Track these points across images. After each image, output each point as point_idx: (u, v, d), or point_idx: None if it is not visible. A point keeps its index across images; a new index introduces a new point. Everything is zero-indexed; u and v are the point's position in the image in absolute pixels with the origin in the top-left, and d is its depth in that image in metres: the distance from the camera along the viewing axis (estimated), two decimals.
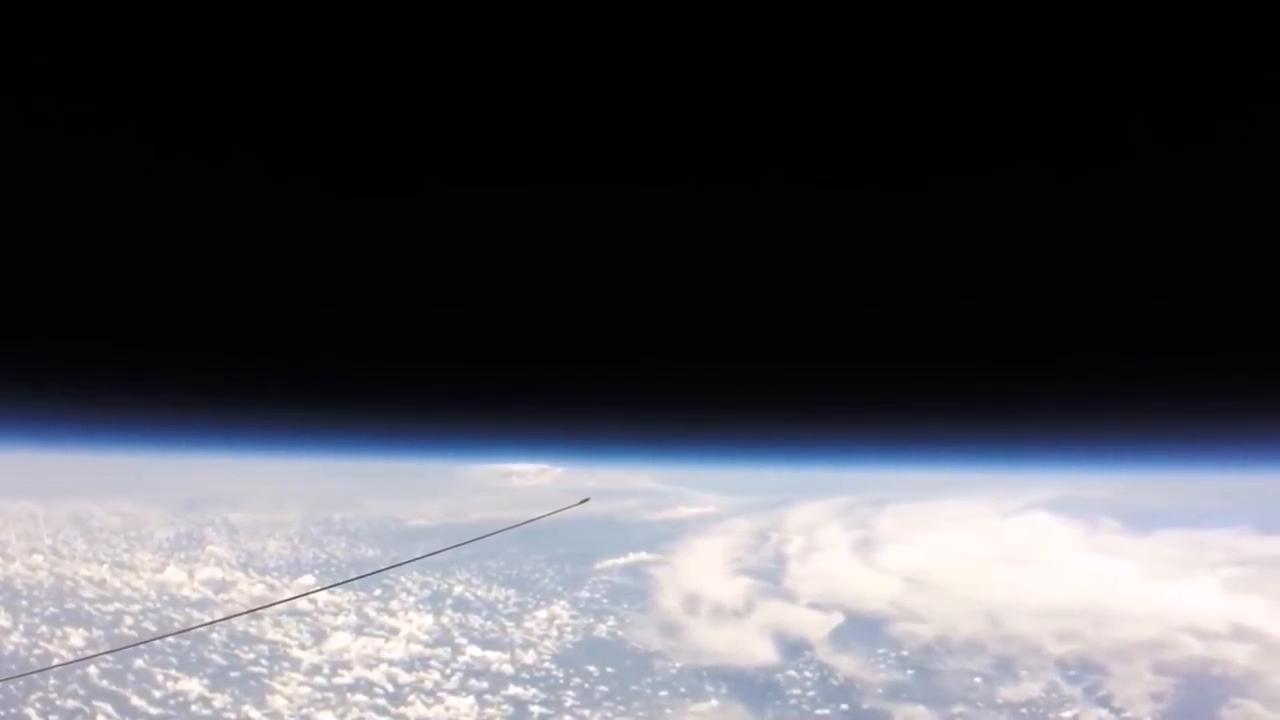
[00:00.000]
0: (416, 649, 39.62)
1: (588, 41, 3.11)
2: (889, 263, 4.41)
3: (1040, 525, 40.84)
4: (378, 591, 42.65)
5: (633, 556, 44.79)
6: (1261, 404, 5.77)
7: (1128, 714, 33.60)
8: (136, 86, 3.40)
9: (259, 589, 43.16)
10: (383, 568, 46.87)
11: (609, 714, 36.08)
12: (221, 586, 42.78)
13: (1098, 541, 40.04)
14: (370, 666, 38.38)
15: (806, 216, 4.09)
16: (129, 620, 39.69)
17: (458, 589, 43.53)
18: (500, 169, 3.85)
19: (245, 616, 41.61)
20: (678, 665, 38.22)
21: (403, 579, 43.74)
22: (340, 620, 40.88)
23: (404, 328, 5.47)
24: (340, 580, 45.65)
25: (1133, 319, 4.77)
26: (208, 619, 40.66)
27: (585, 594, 43.19)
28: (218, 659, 37.53)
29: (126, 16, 3.03)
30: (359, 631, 40.35)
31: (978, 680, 35.88)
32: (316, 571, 44.85)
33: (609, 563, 44.61)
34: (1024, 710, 34.54)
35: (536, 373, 6.14)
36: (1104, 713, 33.86)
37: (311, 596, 42.46)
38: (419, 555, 51.20)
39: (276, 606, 41.62)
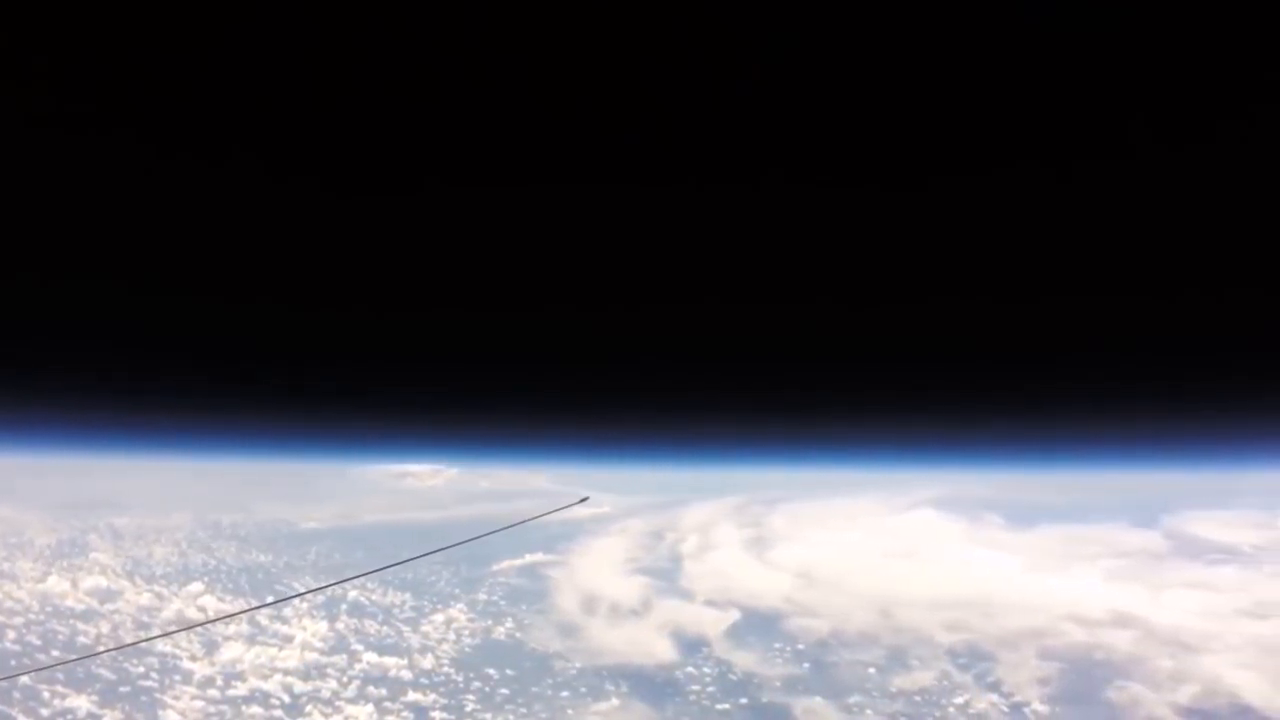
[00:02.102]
0: (312, 657, 40.72)
1: (588, 42, 3.29)
2: (885, 263, 4.66)
3: (927, 522, 43.77)
4: (269, 598, 44.26)
5: (529, 558, 46.54)
6: (1262, 402, 6.14)
7: (1016, 698, 37.52)
8: (136, 87, 3.60)
9: (146, 598, 43.54)
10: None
11: (511, 717, 38.03)
12: (107, 596, 43.00)
13: (982, 536, 43.34)
14: (265, 677, 39.39)
15: (806, 216, 4.30)
16: (11, 635, 40.04)
17: (352, 594, 44.74)
18: (498, 169, 4.04)
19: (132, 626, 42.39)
20: (578, 665, 40.70)
21: (295, 584, 45.46)
22: (232, 629, 41.78)
23: (403, 327, 5.68)
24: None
25: (1128, 319, 5.06)
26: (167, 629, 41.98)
27: (482, 596, 44.91)
28: (106, 674, 37.87)
29: (125, 17, 3.20)
30: (252, 641, 41.21)
31: (872, 671, 39.47)
32: (205, 579, 45.44)
33: (506, 564, 46.24)
34: (918, 698, 38.31)
35: (538, 373, 6.30)
36: (994, 697, 37.80)
37: (200, 606, 43.58)
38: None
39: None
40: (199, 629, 42.76)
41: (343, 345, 6.04)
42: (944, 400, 6.46)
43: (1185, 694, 36.27)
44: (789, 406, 6.83)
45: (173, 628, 43.69)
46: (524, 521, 52.20)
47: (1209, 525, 42.35)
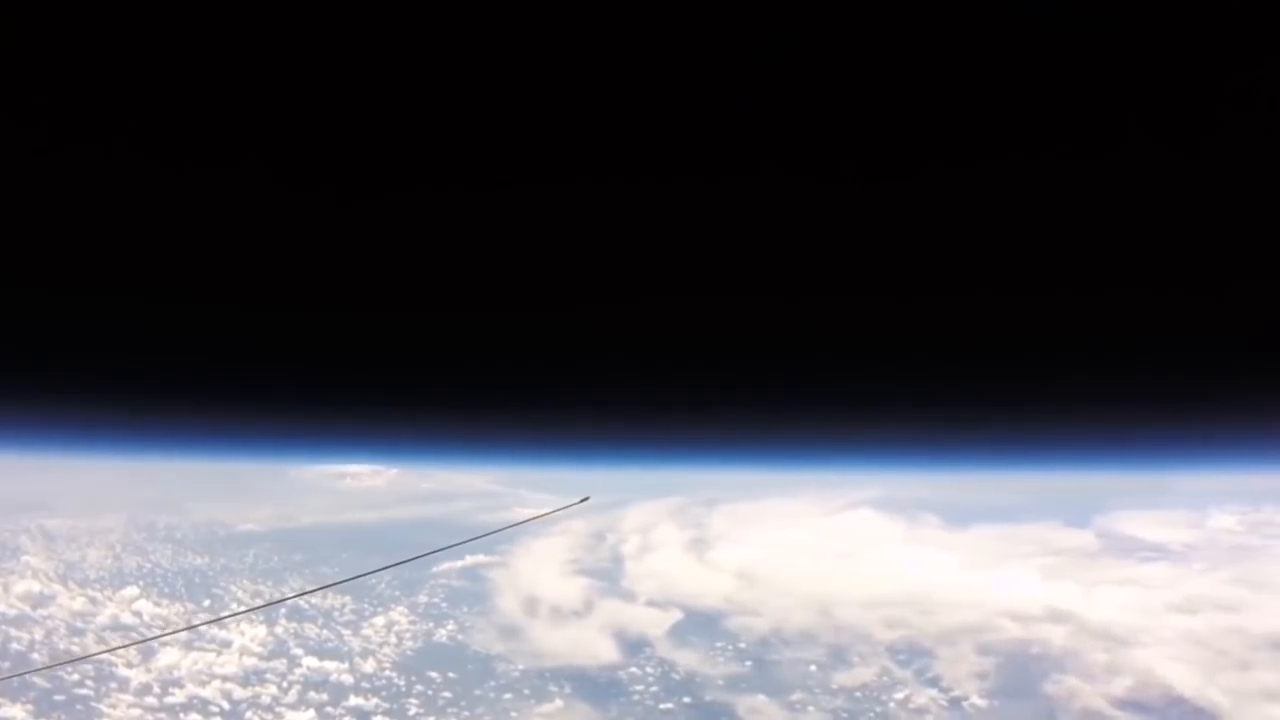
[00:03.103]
0: (251, 662, 41.67)
1: (586, 40, 3.40)
2: (826, 258, 4.74)
3: (865, 522, 45.88)
4: (207, 603, 44.83)
5: (470, 559, 47.31)
6: (1192, 405, 6.30)
7: (955, 692, 40.00)
8: (137, 96, 3.73)
9: (80, 603, 44.10)
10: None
11: None
12: (40, 601, 43.48)
13: (919, 535, 45.49)
14: (203, 683, 40.23)
15: (802, 213, 4.37)
16: None
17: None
18: (491, 170, 4.15)
19: (66, 633, 42.77)
20: (520, 667, 42.06)
21: (232, 588, 46.11)
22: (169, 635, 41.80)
23: (344, 326, 5.78)
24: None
25: (1057, 320, 5.16)
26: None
27: (423, 599, 45.92)
28: (40, 682, 38.40)
29: (126, 31, 3.37)
30: (189, 646, 42.08)
31: (813, 668, 41.63)
32: (141, 582, 46.04)
33: (446, 566, 47.09)
34: (859, 694, 40.51)
35: (477, 373, 6.43)
36: (934, 692, 40.31)
37: (135, 610, 44.26)
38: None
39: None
40: (197, 629, 43.88)
41: (283, 344, 6.18)
42: (882, 401, 6.61)
43: (1119, 686, 38.96)
44: (729, 406, 6.93)
45: (170, 630, 44.74)
46: (525, 521, 53.01)
47: (1139, 524, 45.02)
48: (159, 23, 3.44)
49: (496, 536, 48.30)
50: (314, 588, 46.48)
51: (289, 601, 46.57)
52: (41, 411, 7.67)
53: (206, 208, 4.58)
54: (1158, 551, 43.72)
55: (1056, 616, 41.40)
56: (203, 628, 43.94)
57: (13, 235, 4.84)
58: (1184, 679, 37.94)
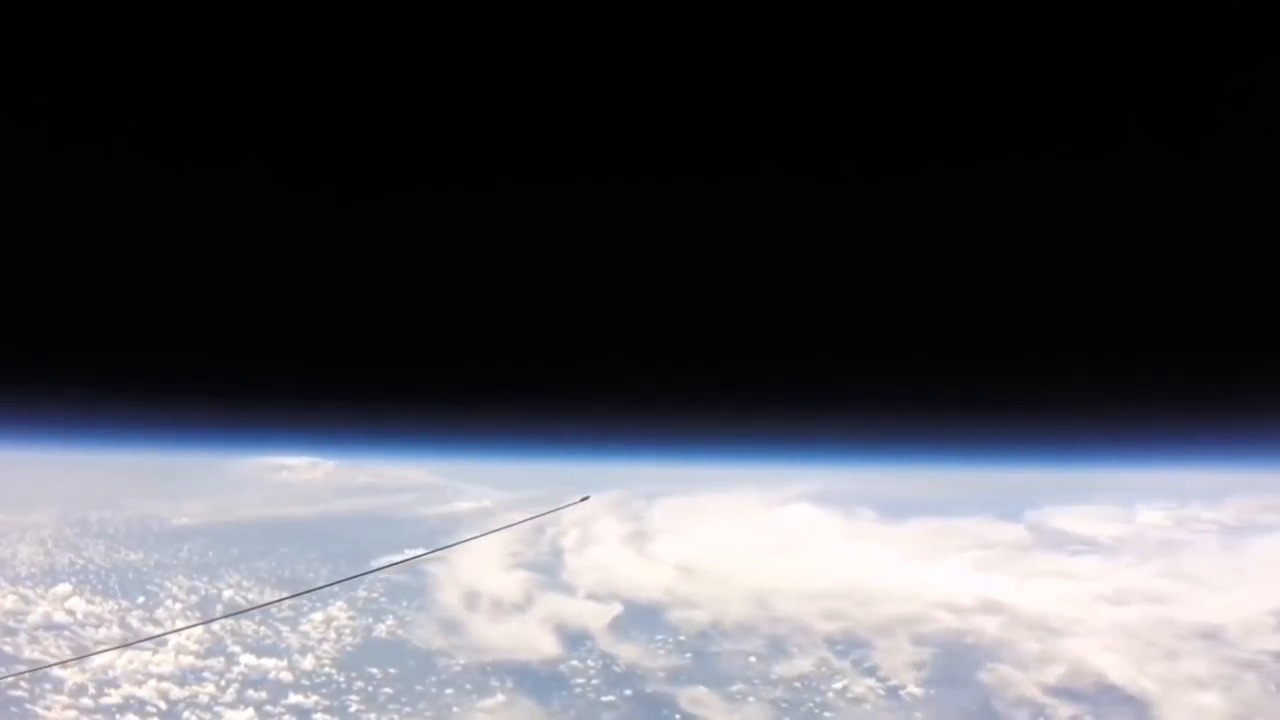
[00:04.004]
0: (188, 661, 41.91)
1: (588, 42, 3.62)
2: (884, 257, 4.90)
3: (803, 516, 46.81)
4: (141, 599, 45.08)
5: (409, 553, 48.09)
6: (1119, 405, 6.55)
7: (893, 682, 41.89)
8: (137, 96, 3.96)
9: (11, 601, 43.86)
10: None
11: (395, 716, 40.32)
12: None
13: (856, 529, 46.99)
14: (139, 683, 40.43)
15: (802, 213, 4.56)
16: None
17: (227, 593, 45.94)
18: (491, 170, 4.37)
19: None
20: (461, 662, 43.05)
21: (167, 584, 46.32)
22: (102, 634, 42.57)
23: (395, 328, 5.94)
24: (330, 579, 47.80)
25: (991, 321, 5.40)
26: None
27: (362, 593, 46.36)
28: None
29: (126, 29, 3.56)
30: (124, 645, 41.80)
31: (753, 659, 43.19)
32: (74, 579, 45.85)
33: (385, 560, 47.93)
34: (798, 684, 42.25)
35: (419, 369, 6.72)
36: (871, 682, 42.13)
37: (68, 608, 44.31)
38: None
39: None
40: (206, 625, 44.48)
41: (283, 344, 6.34)
42: (819, 399, 6.83)
43: (1052, 674, 41.15)
44: (669, 401, 7.10)
45: (179, 626, 45.30)
46: (525, 521, 52.77)
47: (1069, 519, 47.03)
48: (159, 23, 3.55)
49: (434, 531, 48.81)
50: (325, 583, 47.27)
51: (225, 596, 46.87)
52: (41, 410, 7.97)
53: (206, 208, 4.77)
54: (1088, 545, 45.81)
55: (990, 608, 43.47)
56: (136, 626, 44.30)
57: (13, 235, 5.04)
58: (1115, 668, 40.21)
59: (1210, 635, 41.10)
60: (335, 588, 47.08)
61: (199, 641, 43.91)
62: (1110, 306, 5.24)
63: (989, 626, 43.32)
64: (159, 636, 42.49)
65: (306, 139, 4.37)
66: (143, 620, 44.49)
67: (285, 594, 47.43)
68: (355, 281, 5.58)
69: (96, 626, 43.95)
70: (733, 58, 3.78)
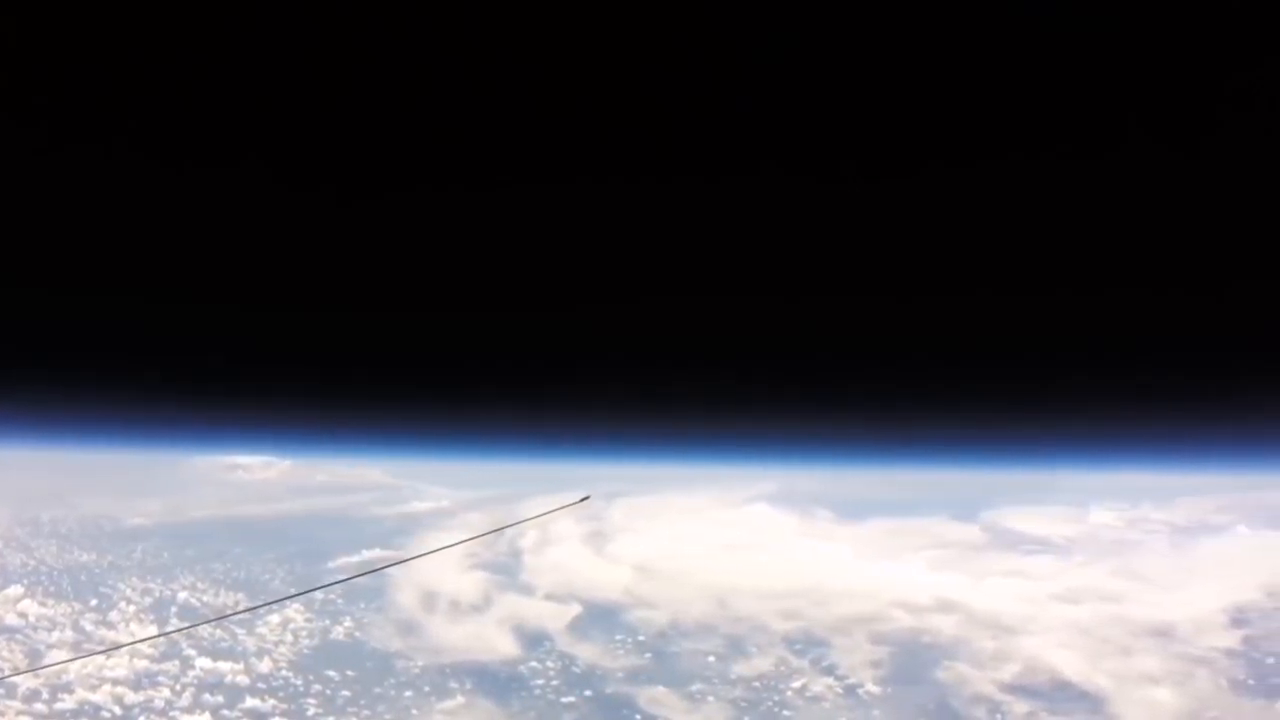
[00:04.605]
0: (142, 664, 41.06)
1: (588, 42, 3.56)
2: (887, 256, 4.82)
3: (761, 516, 47.14)
4: (94, 602, 44.39)
5: (366, 554, 47.13)
6: (1074, 406, 6.46)
7: (851, 680, 42.03)
8: (137, 96, 3.89)
9: None
10: (406, 559, 50.40)
11: (354, 719, 39.89)
12: None
13: (813, 529, 47.36)
14: (93, 688, 39.63)
15: (802, 213, 4.49)
16: None
17: (182, 595, 45.45)
18: (491, 170, 4.30)
19: None
20: (420, 664, 42.74)
21: (120, 586, 45.72)
22: (56, 637, 41.92)
23: (395, 328, 5.86)
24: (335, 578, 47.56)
25: (944, 322, 5.32)
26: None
27: (319, 595, 45.69)
28: None
29: (126, 29, 3.51)
30: (77, 649, 41.52)
31: (712, 659, 43.21)
32: (25, 581, 45.24)
33: (342, 561, 47.19)
34: (757, 684, 42.30)
35: (379, 367, 6.55)
36: (830, 680, 42.29)
37: (20, 610, 43.58)
38: (446, 545, 52.68)
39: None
40: (213, 623, 43.97)
41: (283, 344, 6.25)
42: (819, 400, 6.67)
43: (1008, 672, 41.63)
44: (669, 401, 6.93)
45: (180, 626, 44.98)
46: (526, 520, 53.18)
47: (1024, 519, 47.78)
48: (159, 23, 3.52)
49: (391, 531, 48.63)
50: (325, 583, 47.15)
51: (179, 598, 46.34)
52: (41, 410, 7.84)
53: (206, 208, 4.69)
54: (1041, 545, 46.51)
55: (946, 606, 44.00)
56: (89, 629, 43.58)
57: (13, 235, 4.95)
58: (1069, 665, 40.79)
59: (1162, 632, 41.84)
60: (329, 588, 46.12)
61: (153, 645, 43.10)
62: (1110, 306, 5.20)
63: (945, 625, 43.86)
64: (154, 638, 42.16)
65: (306, 139, 4.30)
66: (96, 624, 43.83)
67: (268, 596, 46.97)
68: (355, 281, 5.51)
69: (50, 630, 43.19)
70: (733, 58, 3.75)
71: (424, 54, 3.77)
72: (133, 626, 43.98)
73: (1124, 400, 6.34)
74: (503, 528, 37.30)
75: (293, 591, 47.41)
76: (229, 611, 44.54)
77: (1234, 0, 3.40)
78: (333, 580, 47.19)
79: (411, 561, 48.02)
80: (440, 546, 52.65)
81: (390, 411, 8.14)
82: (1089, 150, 4.11)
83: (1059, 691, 40.61)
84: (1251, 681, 39.69)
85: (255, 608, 45.40)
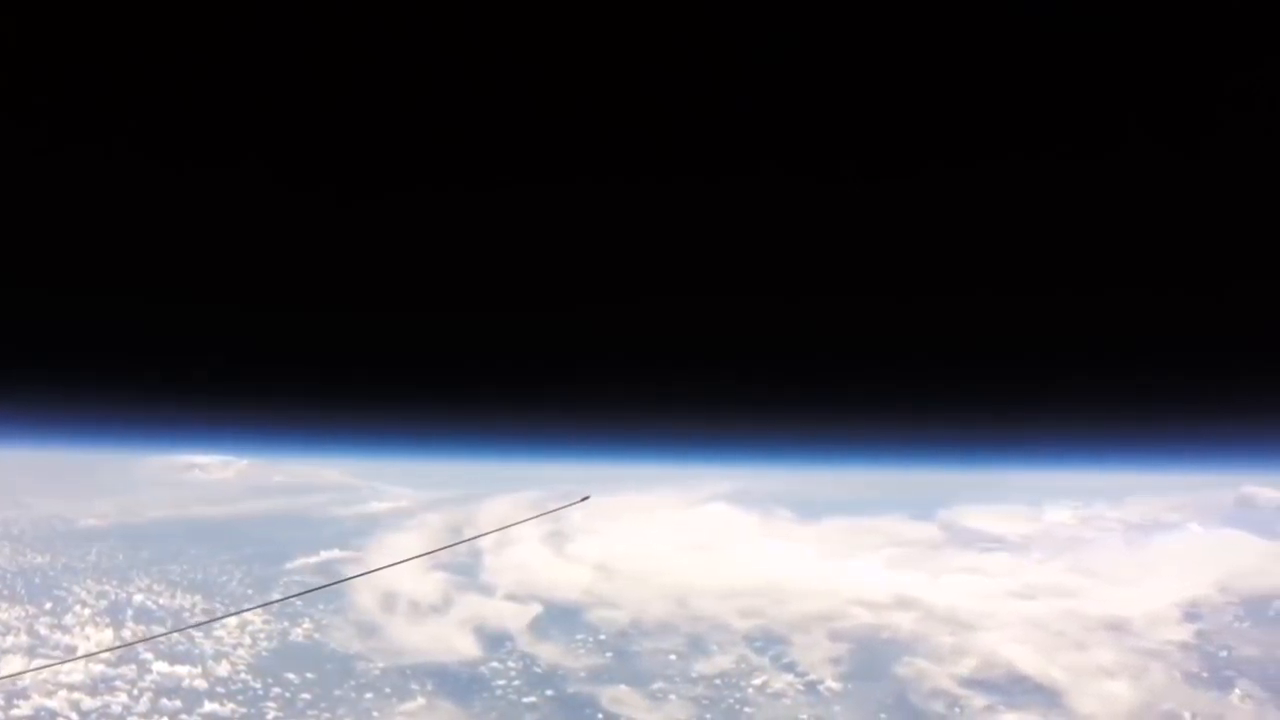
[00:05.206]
0: (99, 669, 40.56)
1: (588, 42, 3.54)
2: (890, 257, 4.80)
3: (720, 515, 47.41)
4: (48, 605, 43.95)
5: (325, 554, 47.26)
6: (1031, 407, 6.44)
7: (811, 677, 42.49)
8: (137, 96, 3.87)
9: None
10: (416, 555, 49.80)
11: None
12: None
13: (773, 528, 47.62)
14: (49, 693, 39.14)
15: (802, 213, 4.47)
16: None
17: (138, 598, 45.05)
18: (491, 170, 4.28)
19: None
20: (380, 666, 42.54)
21: (75, 589, 45.16)
22: (10, 641, 41.57)
23: (396, 328, 5.85)
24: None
25: (901, 322, 5.32)
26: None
27: (277, 596, 45.66)
28: None
29: (126, 29, 3.50)
30: (32, 653, 40.90)
31: (673, 658, 43.46)
32: None
33: (301, 562, 47.07)
34: (718, 681, 42.56)
35: (331, 366, 6.53)
36: (790, 677, 42.73)
37: None
38: (461, 540, 52.21)
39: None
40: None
41: (283, 344, 6.26)
42: (818, 400, 6.69)
43: (966, 666, 42.26)
44: (670, 401, 6.93)
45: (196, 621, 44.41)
46: (526, 520, 52.49)
47: (980, 518, 48.33)
48: (159, 23, 3.51)
49: (350, 531, 48.24)
50: (325, 583, 46.68)
51: (135, 600, 45.84)
52: (41, 410, 7.85)
53: (206, 208, 4.69)
54: (997, 543, 47.09)
55: (904, 603, 44.53)
56: (44, 633, 43.20)
57: (13, 235, 4.95)
58: (1026, 659, 41.38)
59: (1117, 627, 42.51)
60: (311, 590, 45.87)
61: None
62: (1110, 306, 5.21)
63: (904, 622, 44.38)
64: (153, 638, 41.99)
65: (306, 139, 4.28)
66: (50, 627, 43.37)
67: (226, 598, 46.42)
68: (355, 281, 5.49)
69: (3, 635, 42.78)
70: (733, 58, 3.74)
71: (424, 54, 3.76)
72: (88, 630, 43.54)
73: (1124, 400, 6.37)
74: (503, 528, 37.20)
75: (97, 604, 45.27)
76: (220, 614, 44.43)
77: (1234, 0, 3.40)
78: (330, 582, 47.04)
79: (370, 564, 47.19)
80: (439, 547, 53.19)
81: (390, 412, 8.15)
82: (1089, 150, 4.11)
83: (1016, 685, 41.21)
84: (1204, 674, 40.38)
85: (251, 609, 45.22)
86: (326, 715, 40.29)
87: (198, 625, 42.38)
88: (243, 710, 40.46)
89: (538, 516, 40.90)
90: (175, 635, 43.94)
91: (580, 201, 4.72)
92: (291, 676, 41.92)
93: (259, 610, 45.26)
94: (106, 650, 40.54)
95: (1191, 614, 42.03)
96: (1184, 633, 41.46)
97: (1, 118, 4.12)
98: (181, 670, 41.87)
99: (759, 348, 6.08)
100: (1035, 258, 4.88)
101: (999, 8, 3.53)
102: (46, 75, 3.88)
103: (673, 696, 41.85)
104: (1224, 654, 40.48)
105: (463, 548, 48.58)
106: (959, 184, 4.39)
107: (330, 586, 44.93)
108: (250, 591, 46.27)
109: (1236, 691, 39.17)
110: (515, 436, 8.99)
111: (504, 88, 3.91)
